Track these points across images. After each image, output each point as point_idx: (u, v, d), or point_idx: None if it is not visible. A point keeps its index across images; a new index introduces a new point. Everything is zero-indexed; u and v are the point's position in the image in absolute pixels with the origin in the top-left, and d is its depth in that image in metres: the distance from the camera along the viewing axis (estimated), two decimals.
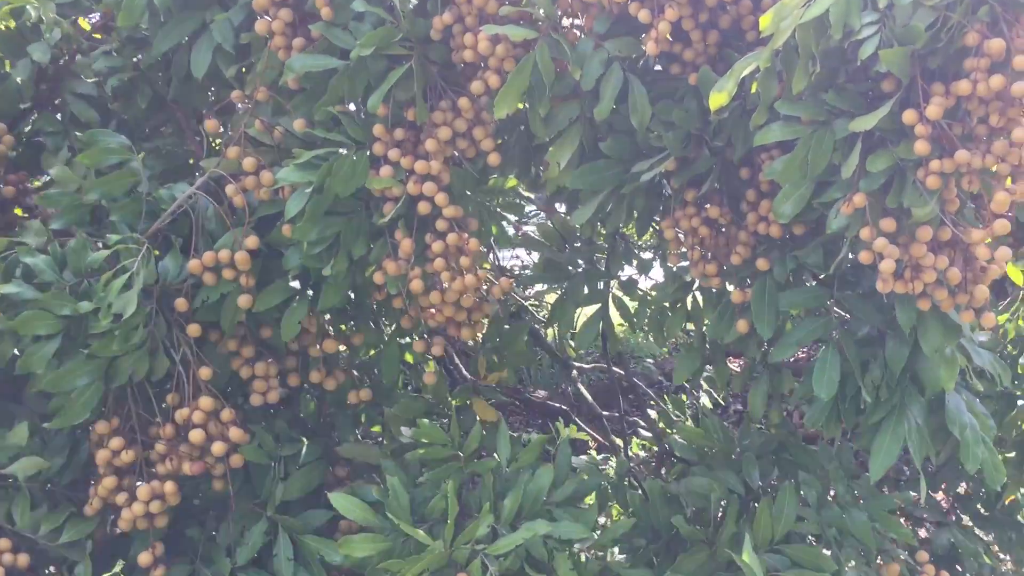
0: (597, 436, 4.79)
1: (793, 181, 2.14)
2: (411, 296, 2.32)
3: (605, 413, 4.48)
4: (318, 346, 2.46)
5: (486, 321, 2.55)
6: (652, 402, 4.64)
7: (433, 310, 2.40)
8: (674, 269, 2.60)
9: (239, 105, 2.48)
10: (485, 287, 2.43)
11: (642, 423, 4.83)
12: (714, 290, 2.49)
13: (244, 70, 2.47)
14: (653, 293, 2.72)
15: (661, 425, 4.02)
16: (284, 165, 2.24)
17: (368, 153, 2.28)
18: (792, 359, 2.74)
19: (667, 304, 2.68)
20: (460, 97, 2.30)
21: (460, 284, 2.28)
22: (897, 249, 2.07)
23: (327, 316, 2.50)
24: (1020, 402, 2.96)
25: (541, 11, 2.19)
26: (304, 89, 2.35)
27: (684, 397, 5.43)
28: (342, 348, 2.61)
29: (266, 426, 2.42)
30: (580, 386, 4.53)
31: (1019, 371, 2.92)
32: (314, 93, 2.31)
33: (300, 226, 2.21)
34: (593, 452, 5.12)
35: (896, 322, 2.24)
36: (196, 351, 2.23)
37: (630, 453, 4.33)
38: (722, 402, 5.29)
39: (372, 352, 2.76)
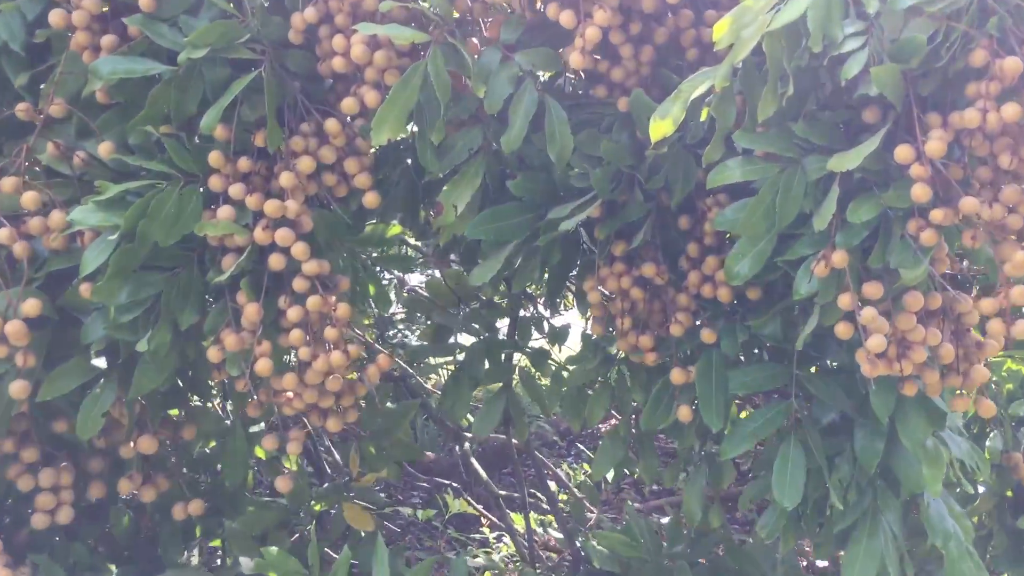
0: (490, 515, 4.28)
1: (753, 234, 1.69)
2: (259, 378, 1.76)
3: (503, 493, 3.98)
4: (131, 443, 1.86)
5: (360, 405, 2.00)
6: (552, 471, 4.15)
7: (290, 394, 1.84)
8: (595, 339, 2.12)
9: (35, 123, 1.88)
10: (359, 362, 1.90)
11: (542, 498, 4.34)
12: (647, 367, 2.02)
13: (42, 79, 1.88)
14: (569, 368, 2.23)
15: (567, 511, 3.52)
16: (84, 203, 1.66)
17: (201, 189, 1.73)
18: None
19: (586, 383, 2.19)
20: (327, 118, 1.78)
21: (324, 363, 1.73)
22: (886, 323, 1.64)
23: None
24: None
25: (435, 9, 1.69)
26: (116, 104, 1.78)
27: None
28: (181, 436, 2.02)
29: (57, 553, 1.80)
30: (473, 460, 4.02)
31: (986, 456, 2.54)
32: (130, 109, 1.75)
33: (102, 285, 1.64)
34: (487, 530, 4.58)
35: (868, 407, 1.81)
36: None
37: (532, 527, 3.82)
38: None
39: (211, 444, 2.17)
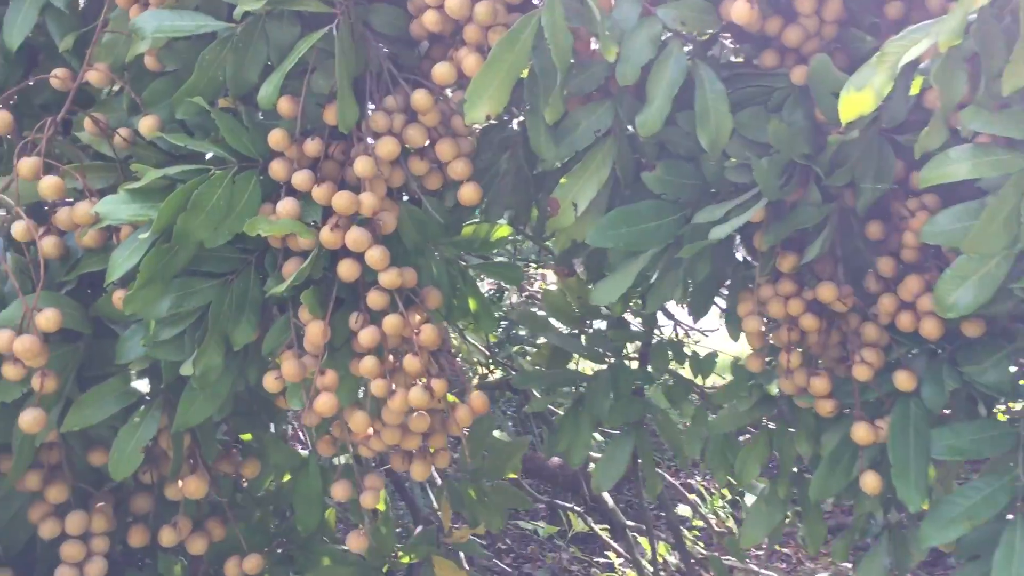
0: (614, 543, 3.88)
1: (983, 251, 1.24)
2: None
3: (631, 524, 3.58)
4: (179, 483, 1.55)
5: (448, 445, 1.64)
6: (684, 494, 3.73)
7: (370, 430, 1.49)
8: (751, 373, 1.68)
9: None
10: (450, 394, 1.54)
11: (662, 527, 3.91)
12: (819, 416, 1.58)
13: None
14: (717, 406, 1.80)
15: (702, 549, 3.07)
16: None
17: (259, 176, 1.40)
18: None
19: (738, 428, 1.76)
20: (417, 90, 1.41)
21: (401, 401, 1.37)
22: None
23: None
24: None
25: None
26: (166, 72, 1.47)
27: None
28: (244, 473, 1.72)
29: None
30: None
31: None
32: (182, 78, 1.44)
33: (135, 293, 1.33)
34: (612, 554, 4.18)
35: None
36: None
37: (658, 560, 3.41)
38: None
39: (286, 478, 1.86)
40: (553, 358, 1.91)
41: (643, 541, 3.63)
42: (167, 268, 1.34)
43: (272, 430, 1.86)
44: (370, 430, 1.48)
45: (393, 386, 1.40)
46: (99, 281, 1.48)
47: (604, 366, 1.85)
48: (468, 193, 1.45)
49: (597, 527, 3.90)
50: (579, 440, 1.79)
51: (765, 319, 1.57)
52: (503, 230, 1.65)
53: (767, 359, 1.62)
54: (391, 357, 1.43)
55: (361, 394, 1.52)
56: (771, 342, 1.59)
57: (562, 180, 1.46)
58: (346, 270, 1.39)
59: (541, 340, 1.95)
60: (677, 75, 1.38)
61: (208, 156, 1.40)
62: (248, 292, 1.45)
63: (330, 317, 1.41)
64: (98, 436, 1.55)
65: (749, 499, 4.12)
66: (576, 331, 1.94)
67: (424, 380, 1.40)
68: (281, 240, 1.43)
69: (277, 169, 1.41)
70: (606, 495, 3.68)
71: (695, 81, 1.41)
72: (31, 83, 1.52)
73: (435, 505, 1.99)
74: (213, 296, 1.42)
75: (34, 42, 1.64)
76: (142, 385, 1.50)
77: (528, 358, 2.68)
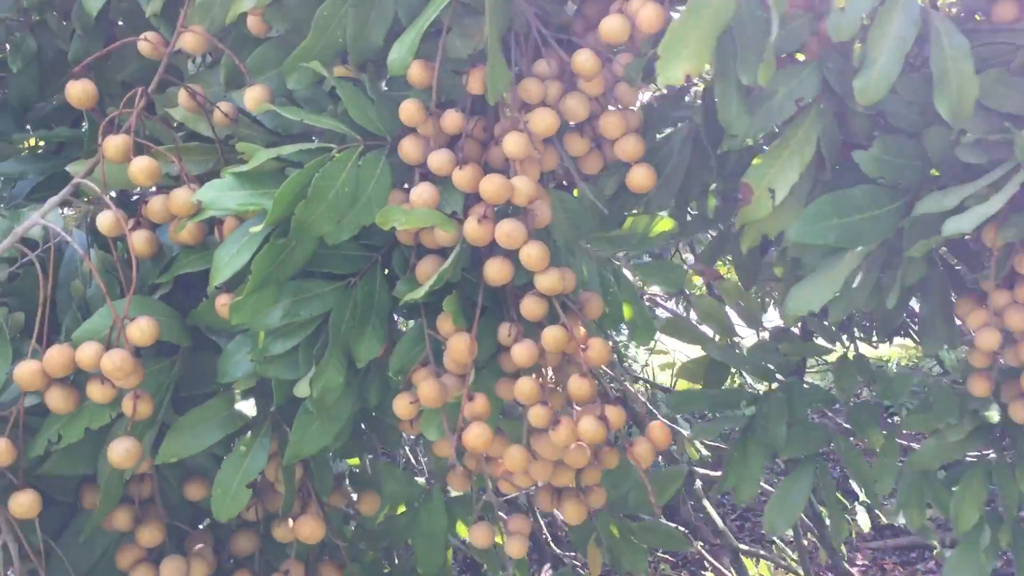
0: (718, 563, 3.59)
1: None
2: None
3: (743, 547, 3.28)
4: (289, 522, 1.32)
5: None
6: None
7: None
8: (966, 397, 1.39)
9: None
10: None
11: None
12: None
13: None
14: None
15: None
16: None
17: (388, 158, 1.16)
18: None
19: (945, 462, 1.46)
20: (580, 51, 1.16)
21: (567, 434, 1.12)
22: None
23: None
24: None
25: None
26: (273, 36, 1.24)
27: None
28: (362, 509, 1.49)
29: None
30: (706, 502, 3.35)
31: None
32: (292, 42, 1.20)
33: (244, 300, 1.10)
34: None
35: None
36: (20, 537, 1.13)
37: None
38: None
39: (400, 510, 1.62)
40: (710, 375, 1.64)
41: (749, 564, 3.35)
42: (282, 269, 1.11)
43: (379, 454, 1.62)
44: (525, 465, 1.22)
45: (554, 413, 1.14)
46: (198, 284, 1.26)
47: (773, 386, 1.57)
48: (640, 177, 1.19)
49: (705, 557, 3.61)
50: (749, 474, 1.51)
51: (1002, 330, 1.28)
52: (665, 223, 1.38)
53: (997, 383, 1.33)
54: (551, 377, 1.18)
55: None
56: (1003, 360, 1.29)
57: (755, 161, 1.19)
58: (496, 271, 1.14)
59: (696, 354, 1.67)
60: (907, 28, 1.11)
61: (315, 139, 1.16)
62: (374, 298, 1.21)
63: (476, 330, 1.16)
64: (196, 466, 1.33)
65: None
66: (734, 345, 1.67)
67: (594, 407, 1.14)
68: (414, 235, 1.19)
69: (409, 149, 1.17)
70: (715, 517, 3.39)
71: (929, 36, 1.13)
72: (112, 53, 1.30)
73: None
74: (334, 302, 1.18)
75: (116, 7, 1.43)
76: (248, 407, 1.28)
77: (673, 375, 2.39)
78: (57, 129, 1.54)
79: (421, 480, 1.64)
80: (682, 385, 3.66)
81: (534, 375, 1.17)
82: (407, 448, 2.12)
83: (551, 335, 1.13)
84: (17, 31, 1.55)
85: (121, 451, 1.12)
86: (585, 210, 1.28)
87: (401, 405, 1.19)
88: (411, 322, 1.32)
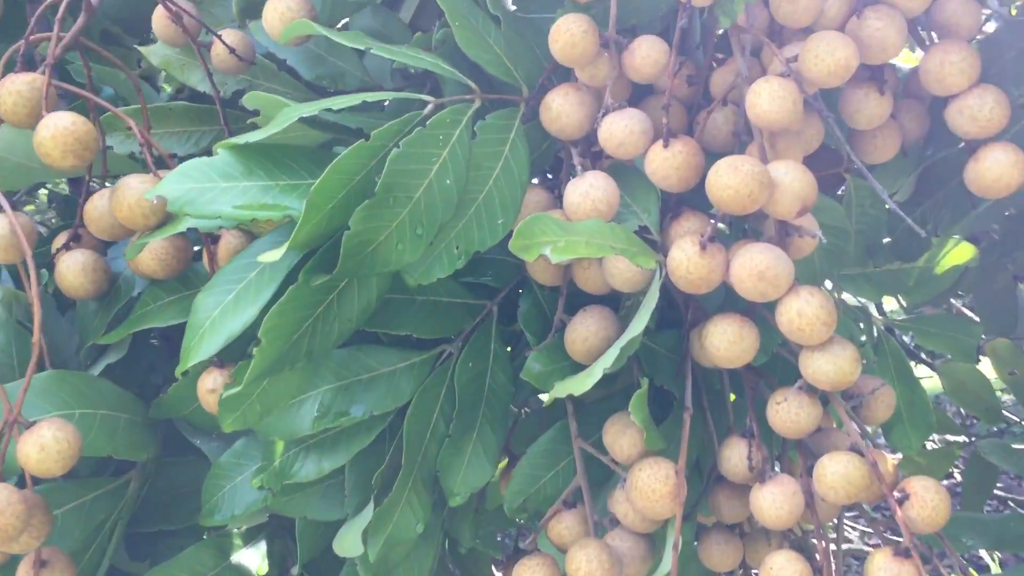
0: None
1: None
2: None
3: None
4: None
5: None
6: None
7: None
8: None
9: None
10: None
11: None
12: None
13: None
14: None
15: None
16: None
17: (521, 121, 0.62)
18: None
19: None
20: None
21: None
22: None
23: None
24: None
25: None
26: None
27: None
28: None
29: None
30: None
31: None
32: None
33: (246, 392, 0.56)
34: None
35: None
36: None
37: None
38: None
39: None
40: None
41: None
42: (321, 333, 0.58)
43: None
44: None
45: None
46: (174, 343, 0.73)
47: None
48: (1000, 169, 0.64)
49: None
50: None
51: None
52: (963, 251, 0.83)
53: None
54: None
55: None
56: None
57: None
58: (730, 343, 0.60)
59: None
60: None
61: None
62: (485, 382, 0.67)
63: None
64: None
65: None
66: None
67: None
68: (562, 270, 0.65)
69: (564, 108, 0.63)
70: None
71: None
72: None
73: None
74: (412, 391, 0.64)
75: None
76: (254, 560, 0.74)
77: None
78: None
79: None
80: None
81: (785, 546, 0.62)
82: None
83: (840, 472, 0.58)
84: None
85: None
86: (850, 228, 0.74)
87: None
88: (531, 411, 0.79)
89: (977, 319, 1.16)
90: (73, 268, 0.69)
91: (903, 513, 0.58)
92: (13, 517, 0.54)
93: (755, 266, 0.58)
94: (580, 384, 0.58)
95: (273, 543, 0.74)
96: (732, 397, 0.73)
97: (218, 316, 0.57)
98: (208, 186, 0.56)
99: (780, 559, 0.58)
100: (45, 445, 0.55)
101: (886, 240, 0.82)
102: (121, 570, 0.76)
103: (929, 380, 1.33)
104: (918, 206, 0.78)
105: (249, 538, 0.74)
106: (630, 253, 0.58)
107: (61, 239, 0.70)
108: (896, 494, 0.59)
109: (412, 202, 0.57)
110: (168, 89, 0.93)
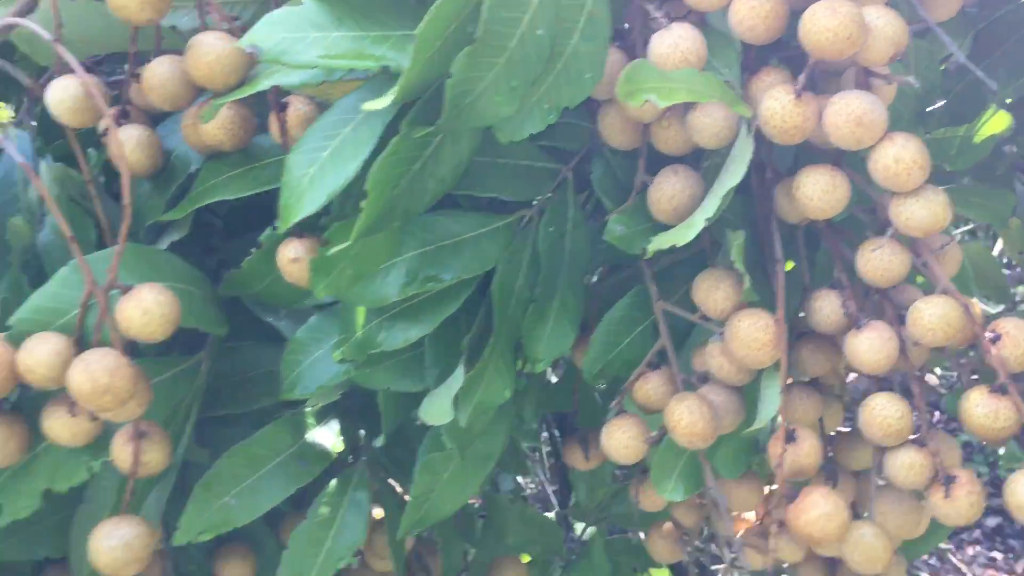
0: None
1: None
2: None
3: None
4: None
5: None
6: None
7: None
8: None
9: None
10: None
11: None
12: None
13: None
14: None
15: None
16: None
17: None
18: None
19: None
20: None
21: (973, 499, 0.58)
22: None
23: None
24: None
25: None
26: None
27: None
28: None
29: None
30: None
31: None
32: None
33: (347, 252, 0.55)
34: None
35: None
36: None
37: None
38: None
39: (526, 559, 1.09)
40: None
41: None
42: (418, 190, 0.57)
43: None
44: None
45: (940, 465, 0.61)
46: (238, 224, 0.72)
47: None
48: None
49: None
50: None
51: None
52: (999, 120, 0.83)
53: None
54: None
55: None
56: None
57: None
58: (824, 193, 0.60)
59: None
60: None
61: None
62: (565, 245, 0.67)
63: None
64: (238, 531, 0.79)
65: None
66: None
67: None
68: (640, 129, 0.64)
69: None
70: None
71: None
72: None
73: None
74: (499, 254, 0.64)
75: None
76: (330, 438, 0.73)
77: None
78: None
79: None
80: None
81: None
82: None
83: (938, 313, 0.59)
84: None
85: (117, 547, 0.58)
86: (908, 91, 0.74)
87: (618, 441, 0.66)
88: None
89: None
90: (128, 143, 0.66)
91: (996, 352, 0.60)
92: (123, 379, 0.53)
93: (852, 111, 0.58)
94: (682, 235, 0.58)
95: (349, 421, 0.74)
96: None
97: (316, 172, 0.56)
98: (300, 35, 0.55)
99: (881, 399, 0.60)
100: (148, 308, 0.54)
101: (937, 105, 0.83)
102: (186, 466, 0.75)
103: None
104: (976, 65, 0.78)
105: (321, 417, 0.74)
106: (729, 99, 0.58)
107: (114, 112, 0.68)
108: (988, 334, 0.60)
109: (507, 52, 0.56)
110: None
